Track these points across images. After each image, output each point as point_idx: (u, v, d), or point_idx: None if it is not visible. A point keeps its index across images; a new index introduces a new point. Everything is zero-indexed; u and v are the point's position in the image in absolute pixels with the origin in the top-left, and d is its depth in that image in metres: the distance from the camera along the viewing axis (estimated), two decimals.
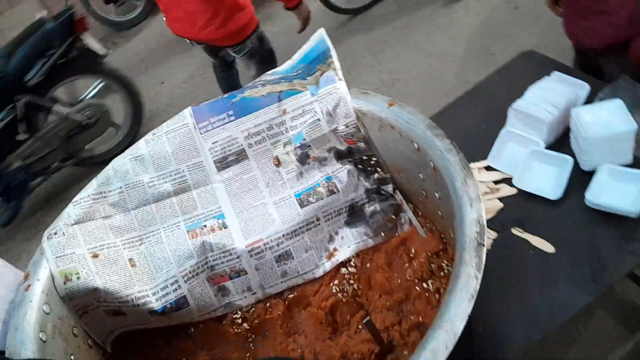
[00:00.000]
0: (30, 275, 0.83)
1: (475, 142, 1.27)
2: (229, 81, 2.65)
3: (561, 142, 1.20)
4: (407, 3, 3.46)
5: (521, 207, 1.11)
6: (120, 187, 0.94)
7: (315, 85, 0.97)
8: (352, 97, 0.95)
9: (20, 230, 2.93)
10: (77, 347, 0.84)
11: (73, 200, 0.92)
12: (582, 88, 1.24)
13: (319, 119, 0.96)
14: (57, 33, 2.59)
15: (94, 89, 2.91)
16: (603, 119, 1.09)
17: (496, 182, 1.18)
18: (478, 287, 0.59)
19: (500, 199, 1.14)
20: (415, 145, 0.85)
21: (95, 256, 0.89)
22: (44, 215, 2.98)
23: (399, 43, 3.19)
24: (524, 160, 1.16)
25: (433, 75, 2.87)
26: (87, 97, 2.90)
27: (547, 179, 1.13)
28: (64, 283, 0.84)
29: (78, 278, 0.85)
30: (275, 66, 1.07)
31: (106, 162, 0.97)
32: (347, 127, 0.96)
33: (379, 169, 0.98)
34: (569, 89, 1.22)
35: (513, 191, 1.14)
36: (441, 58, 2.96)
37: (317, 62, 1.01)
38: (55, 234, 0.88)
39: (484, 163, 1.22)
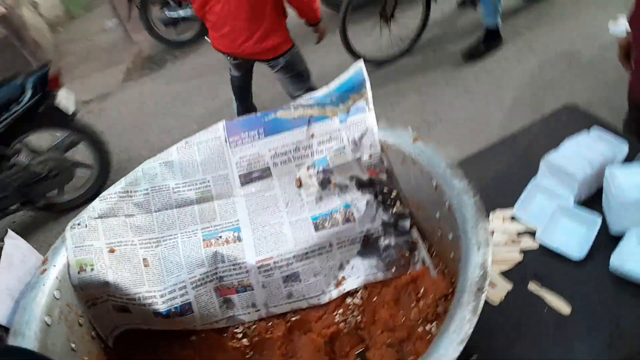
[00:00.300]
0: (48, 260, 0.87)
1: (505, 190, 1.24)
2: (245, 90, 2.93)
3: (593, 200, 1.15)
4: (458, 46, 3.47)
5: (541, 263, 1.07)
6: (147, 189, 0.98)
7: (345, 113, 0.99)
8: (379, 128, 0.96)
9: None
10: (80, 336, 0.86)
11: (100, 195, 0.96)
12: (621, 147, 1.20)
13: (344, 147, 0.97)
14: (26, 88, 2.68)
15: (62, 142, 2.99)
16: (638, 182, 1.05)
17: (519, 234, 1.15)
18: (471, 331, 0.58)
19: (521, 251, 1.11)
20: (434, 183, 0.85)
21: (112, 251, 0.92)
22: None
23: (446, 85, 3.19)
24: (550, 214, 1.13)
25: (477, 120, 2.84)
26: (55, 148, 2.99)
27: (572, 237, 1.09)
28: (78, 272, 0.87)
29: (92, 269, 0.88)
30: (308, 84, 1.10)
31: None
32: (371, 157, 0.97)
33: (398, 203, 0.98)
34: (606, 147, 1.18)
35: (535, 245, 1.10)
36: (488, 104, 2.93)
37: (351, 92, 1.03)
38: (79, 224, 0.92)
39: (510, 212, 1.19)
